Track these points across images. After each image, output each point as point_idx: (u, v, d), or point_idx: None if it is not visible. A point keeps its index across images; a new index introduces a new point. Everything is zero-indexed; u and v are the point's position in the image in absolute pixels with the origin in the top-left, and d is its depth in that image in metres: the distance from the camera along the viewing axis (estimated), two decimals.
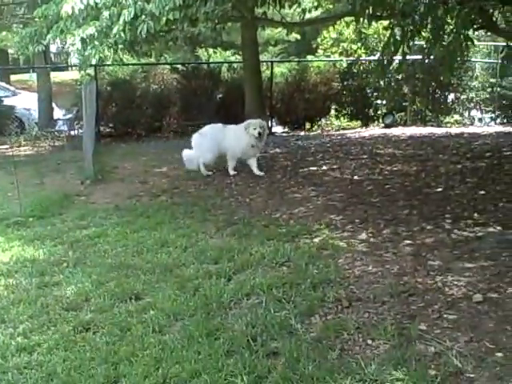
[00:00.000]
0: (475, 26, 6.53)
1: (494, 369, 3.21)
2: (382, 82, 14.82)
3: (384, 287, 4.38)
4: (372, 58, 14.86)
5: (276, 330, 3.81)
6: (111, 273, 5.03)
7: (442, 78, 13.60)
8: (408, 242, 5.43)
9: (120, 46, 7.38)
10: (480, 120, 15.38)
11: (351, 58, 15.25)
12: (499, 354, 3.35)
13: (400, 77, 14.45)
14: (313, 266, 4.88)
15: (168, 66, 15.32)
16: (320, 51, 16.99)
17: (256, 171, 8.97)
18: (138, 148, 12.61)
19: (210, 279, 4.75)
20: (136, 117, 14.03)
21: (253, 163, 9.08)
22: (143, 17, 6.28)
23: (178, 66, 15.26)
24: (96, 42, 6.42)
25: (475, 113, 15.59)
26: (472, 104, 15.45)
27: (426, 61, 7.77)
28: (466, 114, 15.59)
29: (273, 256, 5.19)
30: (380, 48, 14.35)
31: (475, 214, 6.07)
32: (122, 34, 6.51)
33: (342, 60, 15.35)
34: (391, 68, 7.19)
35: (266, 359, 3.48)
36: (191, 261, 5.24)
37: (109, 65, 13.94)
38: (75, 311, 4.34)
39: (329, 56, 16.27)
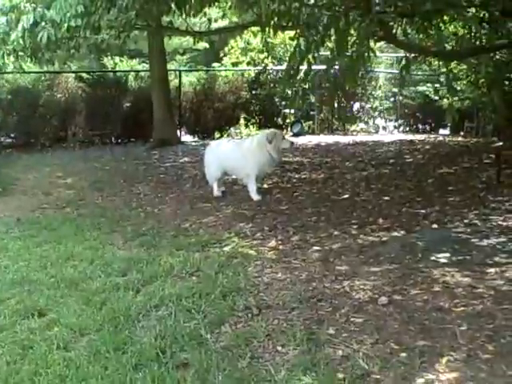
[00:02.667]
0: (376, 38, 6.74)
1: (398, 369, 3.29)
2: (289, 92, 15.05)
3: (293, 293, 4.41)
4: (280, 67, 15.11)
5: (185, 340, 3.75)
6: (12, 289, 4.77)
7: (347, 88, 14.05)
8: (316, 248, 5.51)
9: (20, 53, 7.13)
10: (384, 128, 15.99)
11: (259, 68, 15.43)
12: (403, 354, 3.44)
13: (307, 86, 14.73)
14: (222, 275, 4.85)
15: (73, 75, 14.93)
16: (228, 60, 17.08)
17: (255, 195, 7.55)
18: (42, 159, 12.19)
19: (118, 292, 4.62)
20: (39, 126, 13.62)
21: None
22: (43, 23, 6.07)
23: (83, 74, 14.92)
24: None
25: (379, 121, 16.18)
26: (376, 113, 16.02)
27: (332, 71, 7.91)
28: (371, 123, 16.15)
29: (182, 266, 5.11)
30: (287, 57, 14.69)
31: (380, 220, 6.26)
32: (21, 41, 6.28)
33: (249, 69, 15.50)
34: (298, 78, 7.26)
35: (176, 371, 3.41)
36: (98, 274, 5.07)
37: (9, 72, 13.47)
38: None
39: (237, 65, 16.39)
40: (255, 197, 7.45)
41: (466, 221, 6.08)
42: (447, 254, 5.09)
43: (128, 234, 6.36)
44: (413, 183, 7.89)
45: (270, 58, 15.71)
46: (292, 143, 7.85)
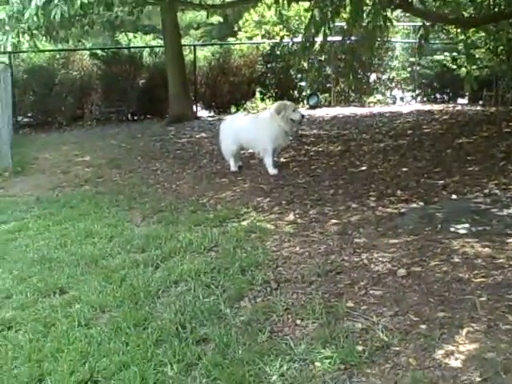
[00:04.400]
0: (392, 7, 6.62)
1: (418, 340, 3.28)
2: (305, 64, 14.92)
3: (311, 267, 4.41)
4: (295, 39, 14.94)
5: (205, 315, 3.77)
6: (33, 267, 4.83)
7: (363, 59, 13.88)
8: (334, 221, 5.50)
9: (34, 32, 7.11)
10: (402, 99, 15.78)
11: (273, 40, 15.27)
12: (423, 326, 3.43)
13: (323, 58, 14.60)
14: (241, 250, 4.86)
15: (87, 52, 14.88)
16: (242, 34, 16.93)
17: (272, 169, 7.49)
18: (60, 137, 12.24)
19: (137, 268, 4.65)
20: (56, 105, 13.61)
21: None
22: (56, 1, 6.04)
23: (98, 51, 14.87)
24: (7, 28, 6.13)
25: (397, 92, 15.97)
26: (393, 83, 15.81)
27: (347, 42, 7.82)
28: (388, 94, 15.95)
29: (200, 242, 5.13)
30: (302, 30, 14.52)
31: (398, 191, 6.22)
32: (35, 19, 6.25)
33: (264, 42, 15.36)
34: (313, 49, 7.19)
35: (196, 346, 3.44)
36: (117, 251, 5.11)
37: (24, 51, 13.48)
38: None
39: (251, 38, 16.24)
40: (272, 171, 7.42)
41: (485, 191, 6.01)
42: (466, 225, 5.05)
43: (146, 210, 6.39)
44: (431, 154, 7.81)
45: (284, 30, 15.53)
46: (303, 116, 7.62)
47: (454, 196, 5.94)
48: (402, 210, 5.62)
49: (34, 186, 8.04)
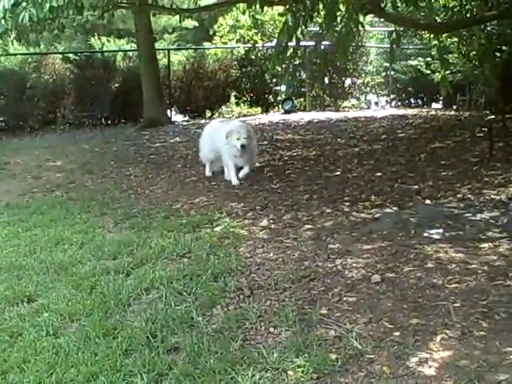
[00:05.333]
0: (364, 11, 6.62)
1: (392, 348, 3.25)
2: (279, 68, 14.94)
3: (285, 273, 4.36)
4: (269, 44, 14.95)
5: (176, 324, 3.70)
6: (1, 275, 4.70)
7: (338, 63, 13.93)
8: (308, 226, 5.46)
9: (3, 36, 6.96)
10: (376, 103, 15.87)
11: (248, 45, 15.25)
12: (397, 333, 3.40)
13: (297, 63, 14.63)
14: (214, 256, 4.79)
15: (60, 56, 14.71)
16: (217, 38, 16.88)
17: (239, 174, 7.27)
18: (31, 142, 12.07)
19: (108, 275, 4.56)
20: (28, 109, 13.44)
21: (244, 169, 7.34)
22: (24, 4, 5.91)
23: (70, 55, 14.71)
24: None
25: (371, 96, 16.06)
26: (368, 88, 15.88)
27: (322, 46, 7.80)
28: (363, 98, 16.02)
29: (173, 248, 5.05)
30: (276, 34, 14.52)
31: (372, 196, 6.22)
32: (3, 22, 6.13)
33: (239, 47, 15.33)
34: (288, 54, 7.16)
35: (167, 355, 3.36)
36: (88, 258, 5.01)
37: None
38: None
39: (226, 43, 16.20)
40: (234, 181, 7.20)
41: (458, 195, 6.04)
42: (440, 230, 5.06)
43: (118, 216, 6.29)
44: (405, 158, 7.84)
45: (259, 35, 15.53)
46: (243, 146, 6.93)
47: (427, 201, 5.95)
48: (376, 216, 5.60)
49: (4, 191, 7.88)
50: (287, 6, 6.52)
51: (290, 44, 6.91)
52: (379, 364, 3.13)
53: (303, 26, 6.11)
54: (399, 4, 6.47)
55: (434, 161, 7.53)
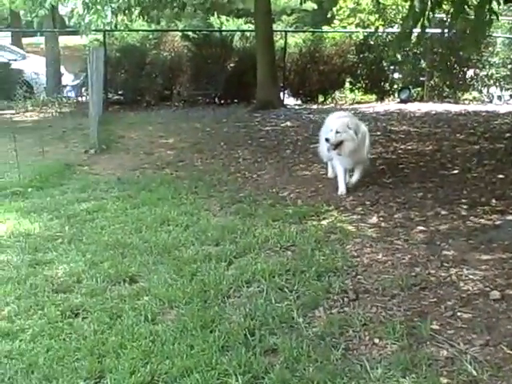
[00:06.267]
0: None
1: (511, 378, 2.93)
2: (399, 56, 14.36)
3: (394, 279, 4.09)
4: (390, 30, 14.40)
5: (276, 323, 3.54)
6: (107, 252, 4.74)
7: (461, 53, 13.18)
8: (421, 228, 5.13)
9: (126, 12, 7.06)
10: (499, 98, 14.90)
11: (368, 30, 14.76)
12: None
13: (418, 51, 14.00)
14: (319, 252, 4.59)
15: (179, 33, 14.92)
16: (336, 22, 16.47)
17: (353, 178, 6.41)
18: (147, 117, 12.33)
19: (210, 263, 4.47)
20: (145, 84, 13.77)
21: (356, 172, 6.41)
22: None
23: (189, 33, 14.86)
24: (98, 7, 6.06)
25: (494, 90, 15.10)
26: (491, 81, 14.94)
27: (446, 35, 7.31)
28: (485, 91, 15.10)
29: (277, 239, 4.90)
30: (398, 20, 13.96)
31: (493, 200, 5.76)
32: None
33: (358, 31, 14.88)
34: (410, 42, 6.79)
35: (264, 357, 3.21)
36: (191, 241, 4.95)
37: (118, 30, 13.66)
38: (65, 293, 4.05)
39: (345, 27, 15.78)
40: (339, 189, 6.28)
41: None
42: None
43: (224, 200, 6.22)
44: None
45: (380, 20, 14.97)
46: (327, 140, 6.09)
47: None
48: (497, 222, 5.17)
49: (117, 165, 8.06)
50: None
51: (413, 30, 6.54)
52: None
53: (430, 12, 5.69)
54: None
55: None
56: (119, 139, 9.87)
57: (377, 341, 3.34)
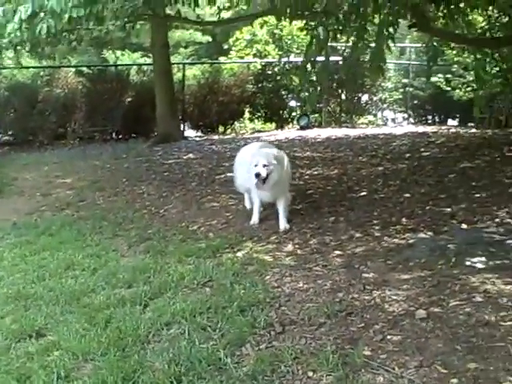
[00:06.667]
0: (408, 24, 6.26)
1: None
2: (301, 86, 14.61)
3: (318, 306, 3.96)
4: (287, 59, 14.64)
5: (203, 366, 3.30)
6: (7, 305, 4.34)
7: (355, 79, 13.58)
8: (338, 252, 5.06)
9: (18, 48, 6.67)
10: (393, 120, 15.50)
11: (266, 60, 14.94)
12: (454, 381, 2.99)
13: (315, 78, 14.28)
14: (238, 286, 4.40)
15: (73, 69, 14.49)
16: (233, 53, 16.59)
17: (281, 223, 5.89)
18: (41, 157, 11.77)
19: (124, 307, 4.17)
20: (38, 123, 13.18)
21: (280, 209, 5.97)
22: (42, 14, 5.60)
23: (84, 68, 14.48)
24: None
25: (388, 113, 15.70)
26: (385, 105, 15.52)
27: (345, 61, 7.45)
28: (380, 115, 15.66)
29: (193, 276, 4.66)
30: (295, 49, 14.25)
31: (403, 219, 5.81)
32: (19, 34, 5.82)
33: (256, 62, 15.03)
34: (312, 70, 6.83)
35: None
36: (101, 286, 4.63)
37: (6, 67, 13.06)
38: None
39: (242, 57, 15.91)
40: (252, 219, 6.12)
41: (496, 220, 5.59)
42: (483, 259, 4.62)
43: (132, 238, 5.93)
44: (433, 179, 7.42)
45: (276, 49, 15.21)
46: (257, 175, 5.66)
47: (463, 225, 5.52)
48: (411, 241, 5.19)
49: (12, 209, 7.56)
50: (316, 20, 6.15)
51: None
52: None
53: (333, 40, 5.76)
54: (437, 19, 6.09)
55: (465, 181, 7.11)
56: (12, 181, 9.32)
57: (311, 374, 3.18)
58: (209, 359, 3.37)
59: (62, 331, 3.85)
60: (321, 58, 7.01)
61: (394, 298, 4.04)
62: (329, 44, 7.30)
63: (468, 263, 4.56)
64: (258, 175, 5.65)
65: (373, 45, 5.78)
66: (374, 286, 4.25)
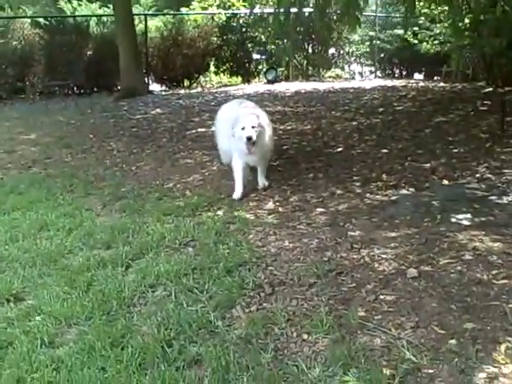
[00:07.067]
0: None
1: (452, 361, 2.80)
2: (262, 36, 14.32)
3: (307, 266, 3.87)
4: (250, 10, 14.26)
5: (194, 330, 3.19)
6: None
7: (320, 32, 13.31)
8: (320, 209, 4.97)
9: None
10: (360, 74, 15.37)
11: (231, 11, 14.54)
12: (453, 341, 2.94)
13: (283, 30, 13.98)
14: (222, 245, 4.28)
15: (28, 20, 13.83)
16: (195, 3, 16.09)
17: (260, 180, 5.71)
18: (0, 113, 11.27)
19: (105, 269, 4.02)
20: None
21: (259, 167, 5.73)
22: None
23: (40, 19, 13.83)
24: None
25: (355, 67, 15.54)
26: (352, 58, 15.35)
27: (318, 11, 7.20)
28: (347, 68, 15.50)
29: (174, 235, 4.52)
30: (259, 1, 13.88)
31: (384, 175, 5.75)
32: None
33: (220, 13, 14.62)
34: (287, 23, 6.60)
35: (189, 370, 2.86)
36: (78, 246, 4.45)
37: None
38: None
39: (206, 9, 15.46)
40: (235, 193, 5.52)
41: (477, 175, 5.58)
42: (468, 215, 4.59)
43: (106, 197, 5.75)
44: (409, 134, 7.36)
45: (241, 0, 14.80)
46: (249, 138, 5.25)
47: (445, 181, 5.49)
48: (393, 198, 5.13)
49: None
50: None
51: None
52: (442, 381, 2.67)
53: None
54: None
55: (441, 136, 7.07)
56: None
57: (305, 336, 3.10)
58: (199, 322, 3.26)
59: (42, 295, 3.68)
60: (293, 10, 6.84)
61: (384, 256, 3.97)
62: None
63: (454, 220, 4.52)
64: (249, 138, 5.25)
65: None
66: (362, 245, 4.17)
